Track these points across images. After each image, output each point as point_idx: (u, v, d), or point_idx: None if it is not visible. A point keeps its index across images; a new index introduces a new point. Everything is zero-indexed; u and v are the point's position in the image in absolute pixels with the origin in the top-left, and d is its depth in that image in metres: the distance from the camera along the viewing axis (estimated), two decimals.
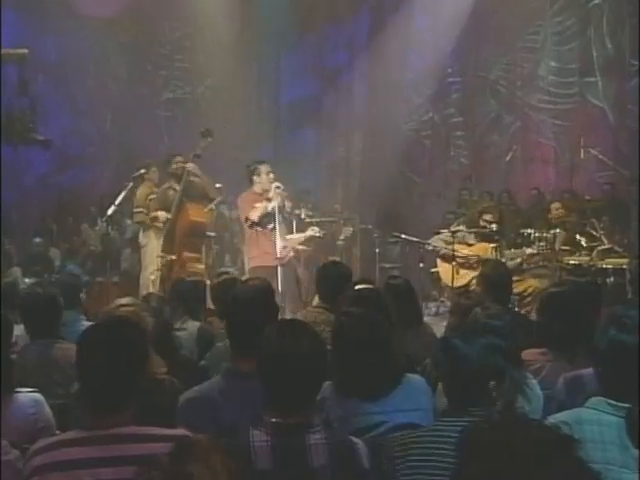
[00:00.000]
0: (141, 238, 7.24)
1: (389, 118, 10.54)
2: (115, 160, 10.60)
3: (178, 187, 6.46)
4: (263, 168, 6.04)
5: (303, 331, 2.01)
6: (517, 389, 2.37)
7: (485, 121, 10.58)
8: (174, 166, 6.60)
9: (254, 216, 5.97)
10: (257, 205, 5.95)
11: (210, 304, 4.71)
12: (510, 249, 6.92)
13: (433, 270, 7.70)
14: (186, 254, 6.38)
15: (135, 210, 7.40)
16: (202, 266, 6.46)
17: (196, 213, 6.42)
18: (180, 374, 2.73)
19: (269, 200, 5.91)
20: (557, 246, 6.97)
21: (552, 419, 1.94)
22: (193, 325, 3.80)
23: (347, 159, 11.33)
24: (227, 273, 4.75)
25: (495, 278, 3.94)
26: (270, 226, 5.92)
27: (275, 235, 5.78)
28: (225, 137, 10.18)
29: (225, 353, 2.82)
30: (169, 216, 6.49)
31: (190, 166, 6.40)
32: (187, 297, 3.79)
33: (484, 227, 6.72)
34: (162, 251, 6.44)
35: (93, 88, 10.56)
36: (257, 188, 6.04)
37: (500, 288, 3.88)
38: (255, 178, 6.05)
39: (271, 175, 6.00)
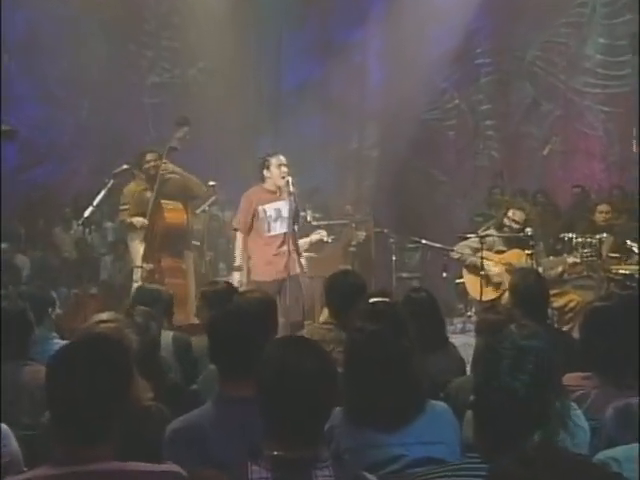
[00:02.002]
0: (130, 242, 7.30)
1: (408, 105, 10.54)
2: (93, 154, 10.65)
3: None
4: (273, 161, 6.01)
5: (309, 350, 2.02)
6: (558, 420, 2.36)
7: (520, 109, 10.58)
8: (146, 165, 6.64)
9: (242, 219, 6.01)
10: (266, 206, 5.95)
11: (192, 318, 4.74)
12: (548, 257, 6.90)
13: (458, 281, 7.68)
14: (165, 262, 6.42)
15: (121, 207, 7.46)
16: (183, 273, 6.46)
17: (173, 215, 6.46)
18: (168, 400, 2.74)
19: (279, 199, 5.89)
20: (604, 253, 6.95)
21: (600, 456, 1.93)
22: (165, 336, 3.79)
23: (359, 153, 11.35)
24: (217, 282, 4.75)
25: (528, 290, 3.94)
26: (277, 231, 5.91)
27: (285, 243, 5.76)
28: (219, 127, 10.26)
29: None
30: (145, 221, 6.53)
31: (163, 164, 6.42)
32: (150, 304, 3.75)
33: (515, 229, 6.70)
34: (143, 260, 6.48)
35: (68, 71, 10.61)
36: (268, 184, 6.04)
37: (534, 302, 3.88)
38: (265, 173, 6.05)
39: (283, 169, 5.97)
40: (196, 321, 5.77)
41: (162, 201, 6.46)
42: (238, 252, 6.20)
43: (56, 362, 2.00)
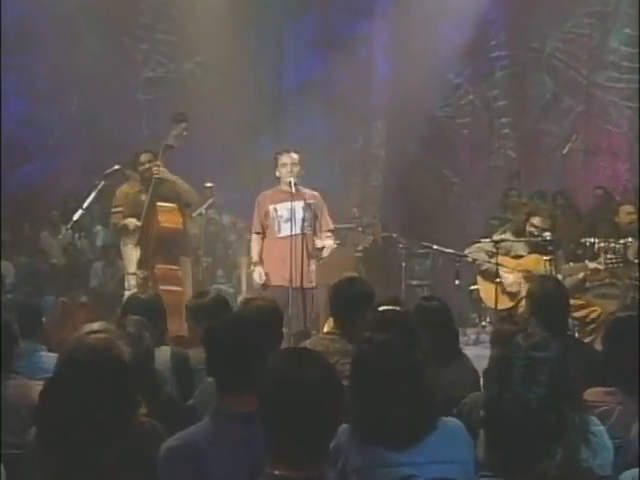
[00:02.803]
0: (122, 247, 7.30)
1: (417, 102, 10.54)
2: (83, 153, 10.67)
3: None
4: (283, 158, 6.03)
5: (313, 362, 2.01)
6: (580, 438, 2.34)
7: (538, 105, 10.57)
8: (140, 167, 6.66)
9: (255, 221, 6.06)
10: (278, 205, 5.97)
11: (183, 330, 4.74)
12: (568, 263, 6.89)
13: (472, 288, 7.67)
14: (158, 268, 6.43)
15: (113, 210, 7.48)
16: (178, 280, 6.47)
17: (167, 218, 6.47)
18: (163, 416, 2.73)
19: (293, 199, 5.91)
20: (629, 259, 6.93)
21: (625, 476, 1.92)
22: (163, 352, 3.80)
23: (366, 152, 11.35)
24: (206, 293, 4.75)
25: (546, 298, 3.92)
26: (287, 233, 5.93)
27: (295, 247, 5.77)
28: (217, 125, 10.27)
29: None
30: (139, 224, 6.54)
31: (156, 166, 6.44)
32: (144, 315, 3.74)
33: (536, 235, 6.69)
34: (138, 267, 6.49)
35: (56, 66, 10.64)
36: (281, 185, 6.06)
37: (553, 311, 3.86)
38: (276, 172, 6.08)
39: (292, 168, 5.97)
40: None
41: (157, 203, 6.47)
42: (254, 250, 6.23)
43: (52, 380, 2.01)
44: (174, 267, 6.52)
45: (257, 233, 6.21)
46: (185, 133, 6.52)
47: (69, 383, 1.95)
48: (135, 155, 6.84)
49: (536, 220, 6.72)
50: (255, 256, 6.24)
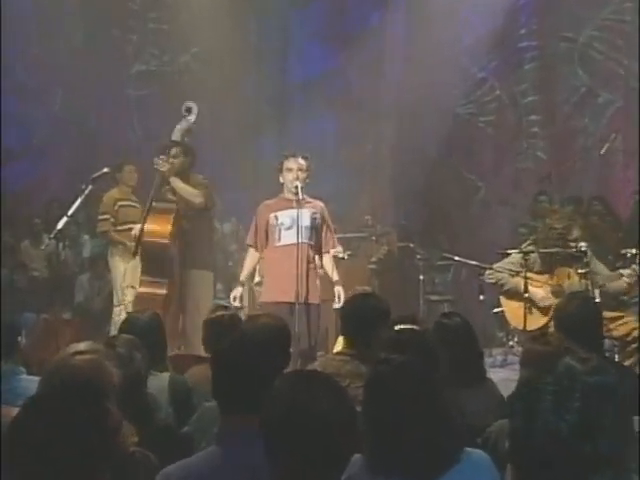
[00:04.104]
0: (110, 258, 7.34)
1: (436, 99, 10.55)
2: (68, 155, 10.73)
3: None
4: (289, 163, 6.05)
5: (323, 386, 2.02)
6: (624, 473, 2.34)
7: (572, 100, 10.56)
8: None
9: (252, 232, 6.07)
10: (279, 212, 6.00)
11: (198, 349, 4.75)
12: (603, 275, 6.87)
13: (496, 310, 7.66)
14: (142, 285, 6.46)
15: (100, 217, 7.52)
16: (161, 300, 6.46)
17: (153, 228, 6.48)
18: (156, 444, 2.74)
19: (297, 207, 5.92)
20: None
21: None
22: (160, 378, 3.82)
23: (379, 155, 11.36)
24: (224, 307, 4.80)
25: (577, 316, 3.92)
26: (289, 241, 5.94)
27: (300, 257, 5.78)
28: (215, 124, 10.30)
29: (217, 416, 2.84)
30: (138, 232, 6.58)
31: (162, 162, 6.48)
32: (143, 340, 3.74)
33: (569, 246, 6.68)
34: (128, 281, 6.55)
35: (39, 58, 10.71)
36: (285, 192, 6.10)
37: (585, 330, 3.86)
38: (280, 178, 6.11)
39: (298, 174, 5.99)
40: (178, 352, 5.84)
41: (154, 205, 6.49)
42: (245, 265, 6.24)
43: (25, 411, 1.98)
44: (158, 285, 6.49)
45: (250, 246, 6.21)
46: (193, 128, 6.57)
47: (50, 410, 1.95)
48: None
49: (570, 229, 6.72)
50: (244, 272, 6.25)
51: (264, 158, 9.68)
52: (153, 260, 6.47)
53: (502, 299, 7.08)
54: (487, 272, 7.06)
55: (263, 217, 6.08)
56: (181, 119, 6.68)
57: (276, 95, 11.60)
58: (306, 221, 5.95)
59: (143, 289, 6.48)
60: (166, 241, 6.50)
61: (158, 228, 6.49)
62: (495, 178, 10.91)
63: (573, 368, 1.93)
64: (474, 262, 7.51)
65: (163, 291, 6.47)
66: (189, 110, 6.64)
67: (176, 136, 6.61)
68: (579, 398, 1.86)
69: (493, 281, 7.00)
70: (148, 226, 6.45)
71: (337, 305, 5.88)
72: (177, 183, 6.60)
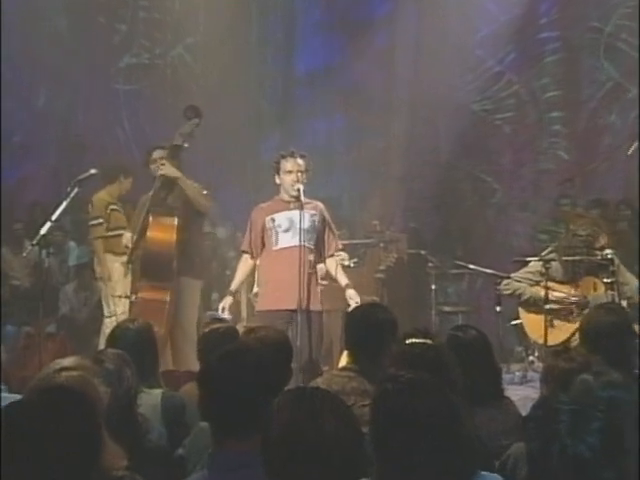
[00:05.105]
0: (97, 266, 7.34)
1: (450, 95, 10.58)
2: (52, 155, 10.75)
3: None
4: (287, 165, 6.08)
5: (327, 405, 2.02)
6: None
7: (597, 95, 10.56)
8: (152, 166, 6.75)
9: (247, 236, 6.08)
10: (276, 214, 6.02)
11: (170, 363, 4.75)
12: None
13: (514, 322, 7.64)
14: (144, 291, 6.46)
15: (93, 222, 7.53)
16: (164, 303, 6.47)
17: (157, 233, 6.49)
18: (147, 468, 2.75)
19: (295, 208, 5.95)
20: None
21: None
22: (152, 396, 3.81)
23: (388, 155, 11.36)
24: (220, 320, 4.81)
25: (606, 330, 3.92)
26: (287, 244, 5.96)
27: (300, 262, 5.80)
28: (213, 123, 10.28)
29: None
30: (133, 237, 6.60)
31: (162, 164, 6.50)
32: (133, 353, 3.70)
33: (595, 254, 6.68)
34: (124, 290, 6.56)
35: (20, 51, 10.72)
36: (282, 194, 6.13)
37: (614, 345, 3.85)
38: (277, 180, 6.14)
39: (298, 175, 6.02)
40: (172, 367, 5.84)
41: (152, 214, 6.50)
42: (238, 272, 6.26)
43: (3, 425, 1.98)
44: (161, 292, 6.51)
45: (245, 252, 6.23)
46: (196, 131, 6.58)
47: (32, 432, 1.95)
48: (147, 150, 6.87)
49: (596, 235, 6.71)
50: (235, 281, 6.28)
51: (265, 158, 9.67)
52: (157, 267, 6.49)
53: (520, 310, 7.07)
54: (503, 282, 7.05)
55: (258, 221, 6.10)
56: (179, 119, 6.65)
57: (278, 90, 11.61)
58: (306, 223, 5.97)
59: (144, 294, 6.47)
60: (171, 250, 6.51)
61: (162, 235, 6.50)
62: (513, 180, 10.91)
63: (588, 384, 1.93)
64: (490, 271, 7.50)
65: (166, 297, 6.47)
66: (193, 112, 6.63)
67: (178, 140, 6.61)
68: (599, 417, 1.86)
69: (509, 292, 6.99)
70: (151, 233, 6.45)
71: (346, 262, 5.99)
72: (186, 183, 6.61)
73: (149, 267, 6.49)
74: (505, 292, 7.05)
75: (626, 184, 10.01)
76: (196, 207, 6.67)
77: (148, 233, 6.47)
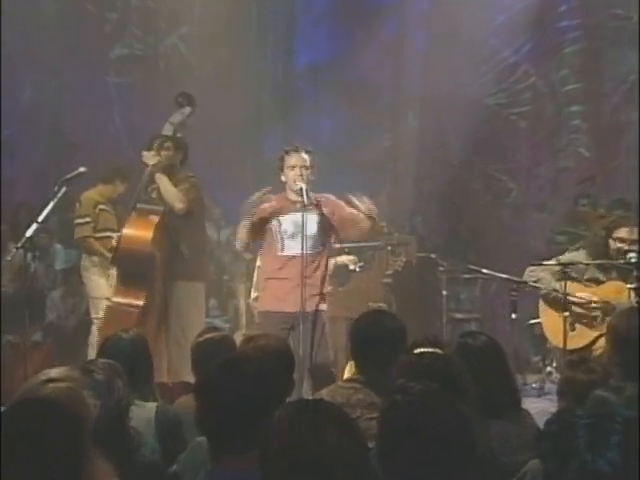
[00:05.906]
0: (83, 270, 7.34)
1: (462, 88, 10.57)
2: (39, 153, 10.75)
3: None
4: (291, 160, 6.10)
5: (331, 418, 2.03)
6: None
7: (620, 89, 10.55)
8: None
9: (243, 227, 6.10)
10: (281, 217, 6.05)
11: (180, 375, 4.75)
12: None
13: (533, 321, 7.65)
14: (117, 295, 6.46)
15: (79, 221, 7.53)
16: (137, 308, 6.46)
17: (134, 228, 6.47)
18: None
19: (300, 210, 5.97)
20: None
21: None
22: (146, 409, 3.82)
23: (396, 152, 11.37)
24: (215, 329, 4.82)
25: (632, 337, 3.92)
26: (293, 251, 5.99)
27: (306, 269, 5.84)
28: (210, 118, 10.30)
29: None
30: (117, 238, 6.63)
31: (152, 156, 6.52)
32: (126, 364, 3.71)
33: (618, 257, 6.68)
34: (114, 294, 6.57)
35: (5, 42, 10.74)
36: (288, 192, 6.17)
37: None
38: (282, 176, 6.17)
39: (302, 171, 6.05)
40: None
41: (138, 206, 6.50)
42: (255, 279, 6.32)
43: None
44: (131, 298, 6.48)
45: (242, 247, 6.33)
46: (189, 121, 6.59)
47: (17, 447, 1.97)
48: (151, 139, 6.88)
49: (621, 235, 6.70)
50: (254, 291, 6.44)
51: (267, 155, 9.68)
52: (131, 268, 6.46)
53: (541, 305, 7.06)
54: (529, 269, 7.04)
55: (263, 216, 6.11)
56: (172, 110, 6.66)
57: (280, 84, 11.62)
58: (312, 228, 5.99)
59: (117, 299, 6.47)
60: (147, 249, 6.48)
61: (138, 233, 6.49)
62: (529, 179, 10.91)
63: (603, 400, 1.94)
64: (504, 275, 7.50)
65: (140, 302, 6.44)
66: (185, 100, 6.63)
67: (167, 130, 6.60)
68: (617, 430, 1.86)
69: (534, 279, 6.98)
70: (128, 230, 6.45)
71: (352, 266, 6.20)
72: (163, 181, 6.60)
73: (122, 268, 6.48)
74: (530, 280, 7.02)
75: None
76: (172, 210, 6.66)
77: (124, 230, 6.45)
